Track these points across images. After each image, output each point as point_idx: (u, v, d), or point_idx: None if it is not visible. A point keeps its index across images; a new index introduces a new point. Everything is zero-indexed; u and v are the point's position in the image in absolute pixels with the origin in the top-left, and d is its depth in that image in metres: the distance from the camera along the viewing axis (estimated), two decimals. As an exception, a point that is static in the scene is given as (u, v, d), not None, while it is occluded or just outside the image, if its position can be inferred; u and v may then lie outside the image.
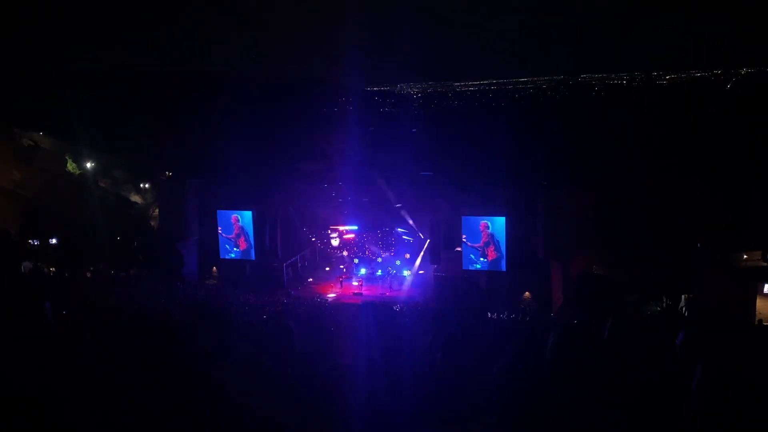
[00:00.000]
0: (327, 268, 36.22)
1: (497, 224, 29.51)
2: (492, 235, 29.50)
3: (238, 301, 24.96)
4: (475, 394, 3.60)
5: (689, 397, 2.51)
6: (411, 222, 34.20)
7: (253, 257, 33.40)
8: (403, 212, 33.90)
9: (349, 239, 36.33)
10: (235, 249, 33.52)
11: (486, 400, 3.31)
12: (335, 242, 36.45)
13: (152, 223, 40.54)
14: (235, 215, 33.32)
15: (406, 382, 3.93)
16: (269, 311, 19.21)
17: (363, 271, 34.59)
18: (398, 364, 4.08)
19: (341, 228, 36.27)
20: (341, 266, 35.82)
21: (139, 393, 3.49)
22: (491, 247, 29.55)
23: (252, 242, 33.21)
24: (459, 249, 30.13)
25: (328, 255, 37.38)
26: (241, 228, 33.31)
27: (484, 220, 29.67)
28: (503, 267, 29.50)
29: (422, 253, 33.26)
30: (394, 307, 23.24)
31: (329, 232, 36.71)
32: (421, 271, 33.34)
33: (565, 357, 3.39)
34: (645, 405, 3.04)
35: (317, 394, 3.75)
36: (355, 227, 36.00)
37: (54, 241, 35.26)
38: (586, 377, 3.30)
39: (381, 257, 35.28)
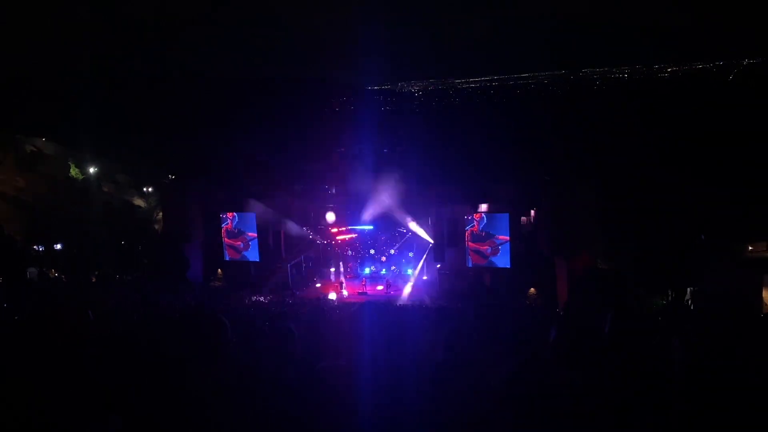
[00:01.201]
0: (332, 269, 36.23)
1: (498, 220, 29.58)
2: (485, 229, 29.71)
3: (243, 302, 25.02)
4: (481, 395, 3.58)
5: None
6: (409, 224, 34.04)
7: (256, 258, 33.48)
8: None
9: (345, 240, 36.21)
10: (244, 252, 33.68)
11: (493, 401, 3.29)
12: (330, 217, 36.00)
13: (156, 227, 40.70)
14: (231, 213, 33.49)
15: (410, 381, 3.92)
16: (273, 312, 19.22)
17: (367, 270, 34.60)
18: (402, 363, 4.06)
19: (339, 229, 36.14)
20: (347, 265, 35.82)
21: (140, 394, 3.50)
22: (489, 242, 29.74)
23: (252, 242, 33.36)
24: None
25: (332, 254, 37.36)
26: (236, 227, 33.45)
27: (479, 212, 29.91)
28: (507, 263, 29.54)
29: (425, 256, 33.11)
30: (398, 306, 23.24)
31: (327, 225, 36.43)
32: (425, 277, 33.17)
33: (566, 350, 3.38)
34: (644, 398, 3.03)
35: (319, 395, 3.75)
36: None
37: (59, 246, 35.42)
38: (588, 370, 3.29)
39: (385, 256, 35.25)
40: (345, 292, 31.98)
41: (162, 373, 3.67)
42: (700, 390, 2.47)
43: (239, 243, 33.45)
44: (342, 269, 35.48)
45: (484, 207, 30.29)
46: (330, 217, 35.78)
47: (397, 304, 24.61)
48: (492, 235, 29.58)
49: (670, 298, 26.22)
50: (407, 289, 31.95)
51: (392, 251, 35.28)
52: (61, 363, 3.77)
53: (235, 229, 33.52)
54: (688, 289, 25.54)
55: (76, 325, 4.08)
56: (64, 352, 3.89)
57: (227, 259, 33.98)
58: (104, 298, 20.04)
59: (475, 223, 29.93)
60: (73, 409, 3.47)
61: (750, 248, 23.71)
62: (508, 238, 29.38)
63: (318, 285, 34.46)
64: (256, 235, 33.10)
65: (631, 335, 4.02)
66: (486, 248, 29.77)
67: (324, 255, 37.63)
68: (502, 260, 29.67)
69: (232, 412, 3.57)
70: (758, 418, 2.39)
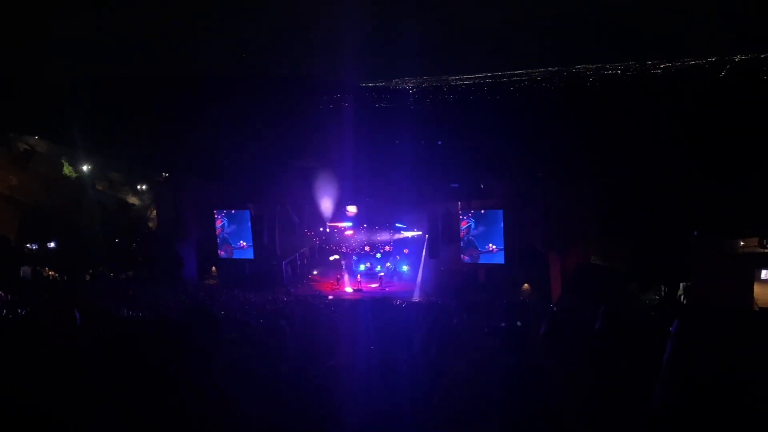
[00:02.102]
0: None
1: (484, 226, 29.82)
2: (470, 234, 29.93)
3: (238, 300, 25.01)
4: (477, 393, 3.60)
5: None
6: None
7: (251, 256, 33.48)
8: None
9: (348, 235, 36.07)
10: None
11: (489, 400, 3.32)
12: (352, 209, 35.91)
13: (150, 225, 40.58)
14: (219, 221, 33.45)
15: (405, 379, 3.94)
16: (268, 310, 19.23)
17: (362, 267, 34.61)
18: (397, 362, 4.09)
19: (339, 224, 36.01)
20: (341, 262, 35.80)
21: (134, 395, 3.52)
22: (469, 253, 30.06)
23: (242, 244, 33.47)
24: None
25: (326, 251, 37.32)
26: (226, 232, 33.49)
27: (465, 219, 30.06)
28: (501, 260, 29.67)
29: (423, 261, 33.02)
30: (394, 303, 23.28)
31: (328, 228, 36.26)
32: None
33: (556, 345, 3.42)
34: (638, 393, 3.08)
35: (312, 395, 3.78)
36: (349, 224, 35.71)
37: (52, 245, 35.28)
38: (580, 365, 3.33)
39: (380, 253, 35.24)
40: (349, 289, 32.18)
41: (157, 373, 3.70)
42: (696, 387, 2.51)
43: (222, 253, 33.69)
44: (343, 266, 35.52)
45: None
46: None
47: (392, 302, 24.64)
48: (475, 246, 29.89)
49: (662, 293, 26.41)
50: (404, 286, 32.07)
51: (387, 248, 35.20)
52: (56, 363, 3.79)
53: (225, 234, 33.50)
54: (681, 285, 25.73)
55: (62, 327, 4.08)
56: (56, 352, 3.90)
57: (222, 256, 33.95)
58: (98, 297, 20.01)
59: (463, 229, 30.11)
60: (69, 409, 3.49)
61: (741, 244, 23.85)
62: (488, 249, 29.63)
63: (313, 282, 34.49)
64: (245, 244, 33.20)
65: (623, 330, 4.07)
66: (466, 258, 30.22)
67: (319, 252, 37.61)
68: (497, 257, 29.80)
69: (226, 412, 3.60)
70: (756, 415, 2.43)
